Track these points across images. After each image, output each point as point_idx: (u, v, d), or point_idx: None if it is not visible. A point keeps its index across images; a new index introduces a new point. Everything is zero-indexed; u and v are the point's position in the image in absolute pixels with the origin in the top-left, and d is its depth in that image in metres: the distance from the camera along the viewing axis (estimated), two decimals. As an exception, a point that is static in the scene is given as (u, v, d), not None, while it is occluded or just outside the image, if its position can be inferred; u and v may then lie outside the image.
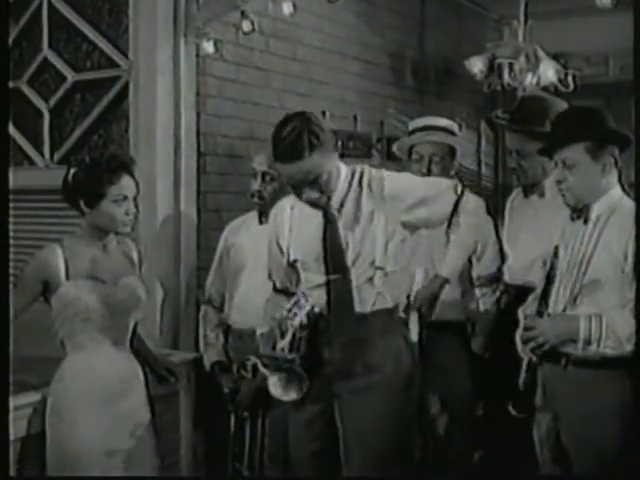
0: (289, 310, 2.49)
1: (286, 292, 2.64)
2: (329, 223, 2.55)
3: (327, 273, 2.55)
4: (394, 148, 3.51)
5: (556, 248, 2.57)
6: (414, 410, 2.60)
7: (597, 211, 2.49)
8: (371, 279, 2.51)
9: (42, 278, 2.61)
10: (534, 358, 2.53)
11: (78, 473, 2.56)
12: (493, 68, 4.40)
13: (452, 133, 3.41)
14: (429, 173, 3.28)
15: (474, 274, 3.35)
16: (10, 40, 3.79)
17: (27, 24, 3.97)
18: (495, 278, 3.36)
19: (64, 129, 3.92)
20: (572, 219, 2.56)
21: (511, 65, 4.33)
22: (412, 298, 2.74)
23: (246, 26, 3.62)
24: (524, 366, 2.56)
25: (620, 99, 4.75)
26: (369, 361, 2.52)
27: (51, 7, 3.89)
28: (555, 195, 3.21)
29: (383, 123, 4.83)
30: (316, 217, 2.56)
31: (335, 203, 2.55)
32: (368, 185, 2.55)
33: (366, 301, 2.52)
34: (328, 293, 2.55)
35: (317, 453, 2.59)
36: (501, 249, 3.42)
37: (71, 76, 3.87)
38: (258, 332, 2.63)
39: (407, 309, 2.67)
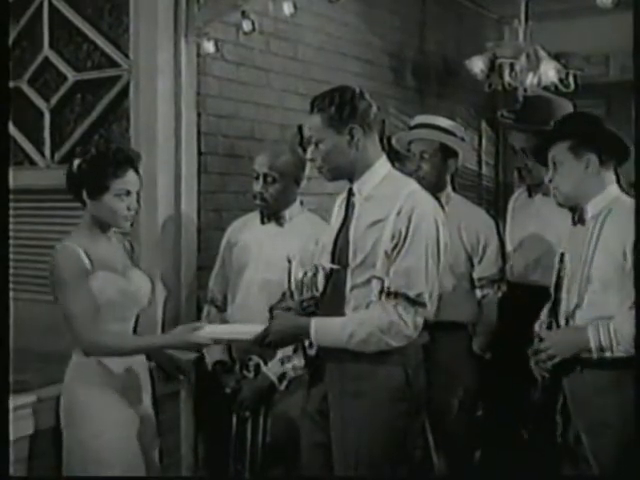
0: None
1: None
2: (349, 212, 2.52)
3: (332, 262, 2.52)
4: (393, 141, 3.52)
5: (562, 255, 2.58)
6: (407, 424, 2.48)
7: (591, 212, 2.52)
8: (368, 283, 2.42)
9: (86, 273, 2.56)
10: (546, 375, 2.52)
11: (99, 470, 2.55)
12: (494, 68, 4.40)
13: (450, 133, 3.40)
14: (418, 170, 3.28)
15: (475, 275, 3.35)
16: (10, 40, 3.79)
17: (28, 24, 3.96)
18: (496, 279, 3.36)
19: (65, 129, 3.91)
20: (573, 223, 2.57)
21: (512, 65, 4.33)
22: None
23: (246, 26, 3.62)
24: (539, 385, 2.57)
25: (620, 99, 4.75)
26: (358, 369, 2.43)
27: (52, 7, 3.88)
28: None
29: (383, 123, 4.81)
30: (344, 205, 2.55)
31: (359, 194, 2.49)
32: (399, 209, 2.40)
33: (358, 306, 2.43)
34: (325, 285, 2.52)
35: (322, 444, 2.54)
36: (502, 249, 3.42)
37: (72, 76, 3.86)
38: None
39: None
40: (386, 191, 2.47)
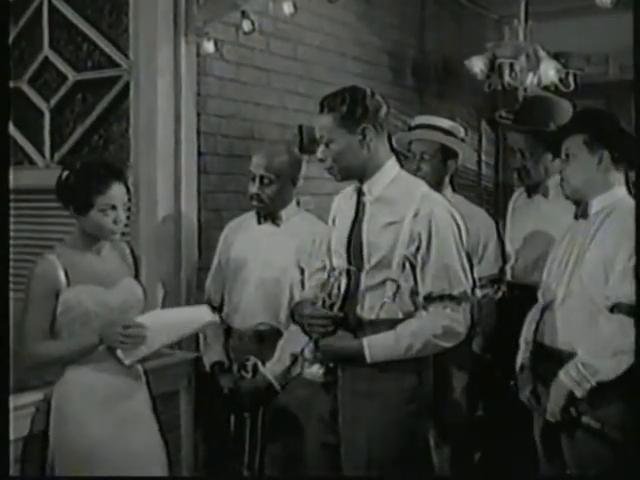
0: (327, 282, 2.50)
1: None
2: (359, 212, 2.50)
3: (349, 263, 2.49)
4: (393, 141, 3.51)
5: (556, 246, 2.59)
6: (417, 424, 2.50)
7: (596, 207, 2.53)
8: (383, 284, 2.42)
9: (54, 291, 2.58)
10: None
11: (86, 473, 2.55)
12: (494, 68, 4.40)
13: (451, 134, 3.39)
14: (418, 171, 3.27)
15: (475, 275, 3.34)
16: (10, 40, 3.79)
17: (27, 24, 3.97)
18: (497, 279, 3.36)
19: (65, 129, 3.92)
20: (576, 217, 2.59)
21: (512, 65, 4.33)
22: None
23: (246, 26, 3.62)
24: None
25: (620, 99, 4.75)
26: (371, 370, 2.43)
27: (51, 7, 3.90)
28: (558, 195, 3.24)
29: (385, 123, 4.82)
30: (354, 205, 2.52)
31: (369, 194, 2.48)
32: (416, 212, 2.41)
33: (372, 307, 2.43)
34: (347, 287, 2.49)
35: (329, 445, 2.54)
36: (502, 250, 3.42)
37: (72, 76, 3.87)
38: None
39: None
40: (397, 192, 2.46)
